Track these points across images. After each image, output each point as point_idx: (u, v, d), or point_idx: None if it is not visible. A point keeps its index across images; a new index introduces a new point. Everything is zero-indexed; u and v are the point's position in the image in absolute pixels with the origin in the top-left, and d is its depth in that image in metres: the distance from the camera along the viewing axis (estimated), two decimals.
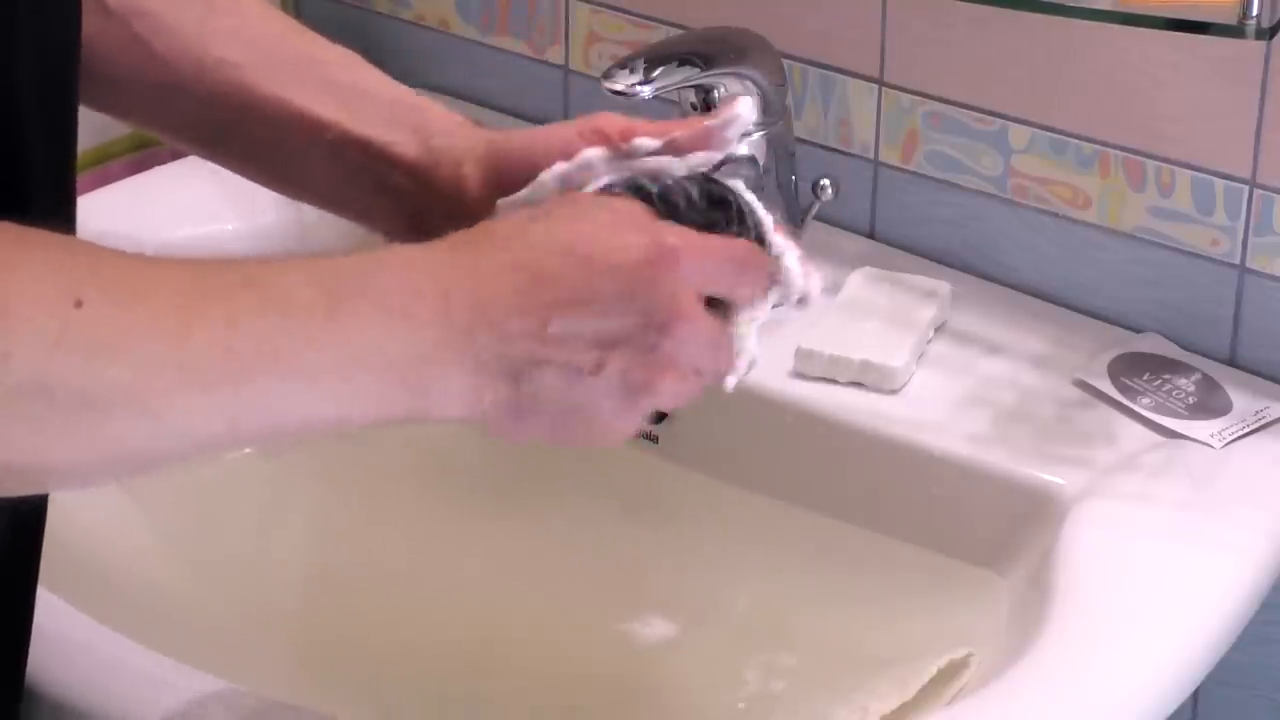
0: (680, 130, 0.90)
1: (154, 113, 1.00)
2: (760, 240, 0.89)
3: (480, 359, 0.80)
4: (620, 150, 0.89)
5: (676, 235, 0.84)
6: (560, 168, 0.89)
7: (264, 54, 0.98)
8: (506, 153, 0.94)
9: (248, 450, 1.32)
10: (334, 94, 0.97)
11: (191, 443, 0.76)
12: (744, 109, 0.91)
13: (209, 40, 0.97)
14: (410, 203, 0.96)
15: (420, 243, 0.82)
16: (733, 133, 0.91)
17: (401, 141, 0.96)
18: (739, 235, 0.89)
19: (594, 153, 0.89)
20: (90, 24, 0.96)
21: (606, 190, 0.88)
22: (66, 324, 0.71)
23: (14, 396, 0.70)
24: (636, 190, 0.87)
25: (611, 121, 0.91)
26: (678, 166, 0.89)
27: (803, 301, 0.91)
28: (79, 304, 0.71)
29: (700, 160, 0.90)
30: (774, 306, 0.90)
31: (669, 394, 0.84)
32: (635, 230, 0.83)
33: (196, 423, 0.75)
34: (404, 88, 0.99)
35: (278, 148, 0.97)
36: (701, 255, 0.84)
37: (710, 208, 0.88)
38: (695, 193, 0.88)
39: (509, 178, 0.92)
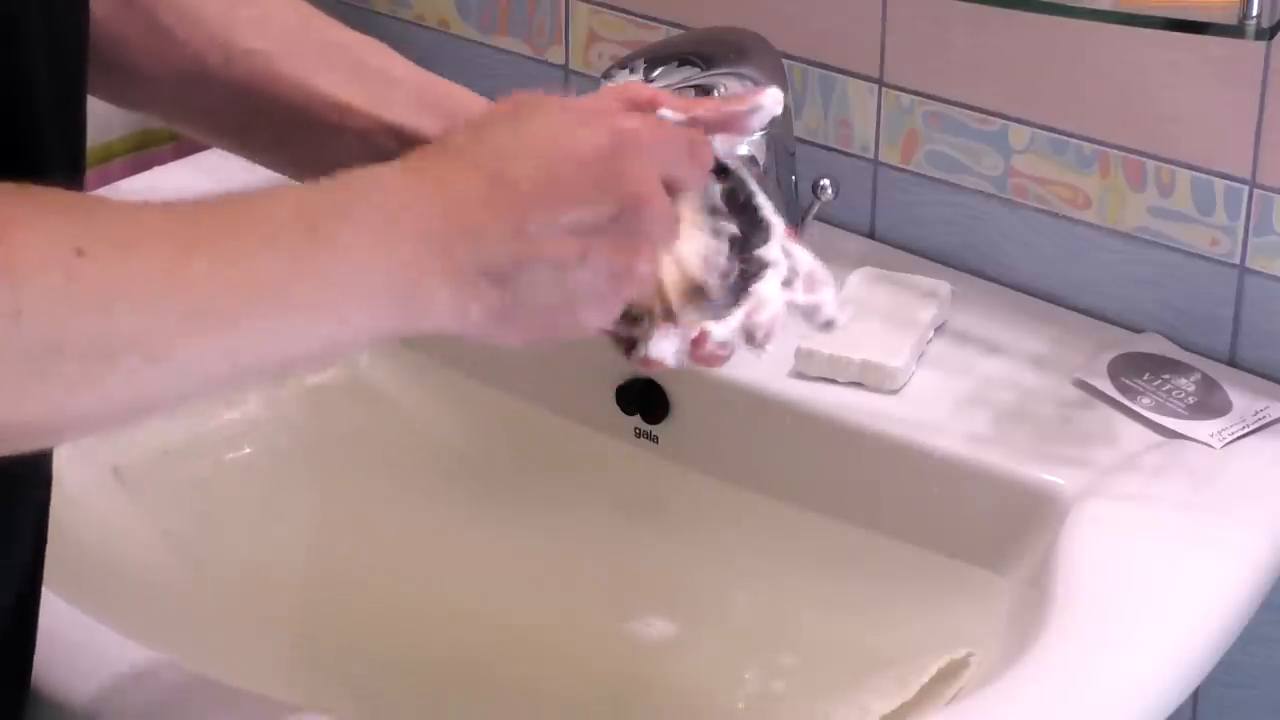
0: (705, 109, 0.92)
1: (177, 104, 0.99)
2: (765, 241, 0.90)
3: (462, 269, 0.81)
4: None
5: (634, 119, 0.86)
6: None
7: (291, 42, 0.98)
8: None
9: (248, 450, 1.32)
10: (362, 80, 0.98)
11: (197, 383, 0.76)
12: (770, 100, 0.93)
13: (235, 29, 0.98)
14: None
15: (391, 162, 0.83)
16: (757, 121, 0.93)
17: (431, 125, 0.96)
18: (751, 234, 0.91)
19: None
20: (112, 15, 0.96)
21: None
22: (71, 275, 0.71)
23: (28, 354, 0.71)
24: None
25: (640, 90, 0.93)
26: None
27: (829, 325, 0.92)
28: (80, 253, 0.71)
29: (721, 144, 0.91)
30: (784, 284, 0.91)
31: (644, 274, 0.86)
32: (595, 119, 0.85)
33: (202, 362, 0.76)
34: (431, 74, 0.99)
35: (305, 135, 0.97)
36: (660, 136, 0.86)
37: (731, 210, 0.91)
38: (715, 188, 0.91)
39: None
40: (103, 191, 1.43)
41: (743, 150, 0.94)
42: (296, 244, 0.77)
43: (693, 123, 0.92)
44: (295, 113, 0.97)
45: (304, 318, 0.78)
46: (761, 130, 1.23)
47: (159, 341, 0.74)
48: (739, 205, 0.92)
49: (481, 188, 0.82)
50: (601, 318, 0.86)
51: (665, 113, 0.91)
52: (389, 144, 0.96)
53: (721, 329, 0.89)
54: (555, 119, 0.85)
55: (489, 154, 0.83)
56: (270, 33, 0.98)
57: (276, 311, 0.77)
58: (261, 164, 1.02)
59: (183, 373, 0.75)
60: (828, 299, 0.92)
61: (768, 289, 0.90)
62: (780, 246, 0.92)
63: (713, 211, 0.91)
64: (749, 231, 0.92)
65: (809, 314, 0.93)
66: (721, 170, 0.92)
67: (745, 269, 0.91)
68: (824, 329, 0.93)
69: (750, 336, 0.90)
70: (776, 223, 0.92)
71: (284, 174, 1.01)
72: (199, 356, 0.75)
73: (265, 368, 0.79)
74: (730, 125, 0.92)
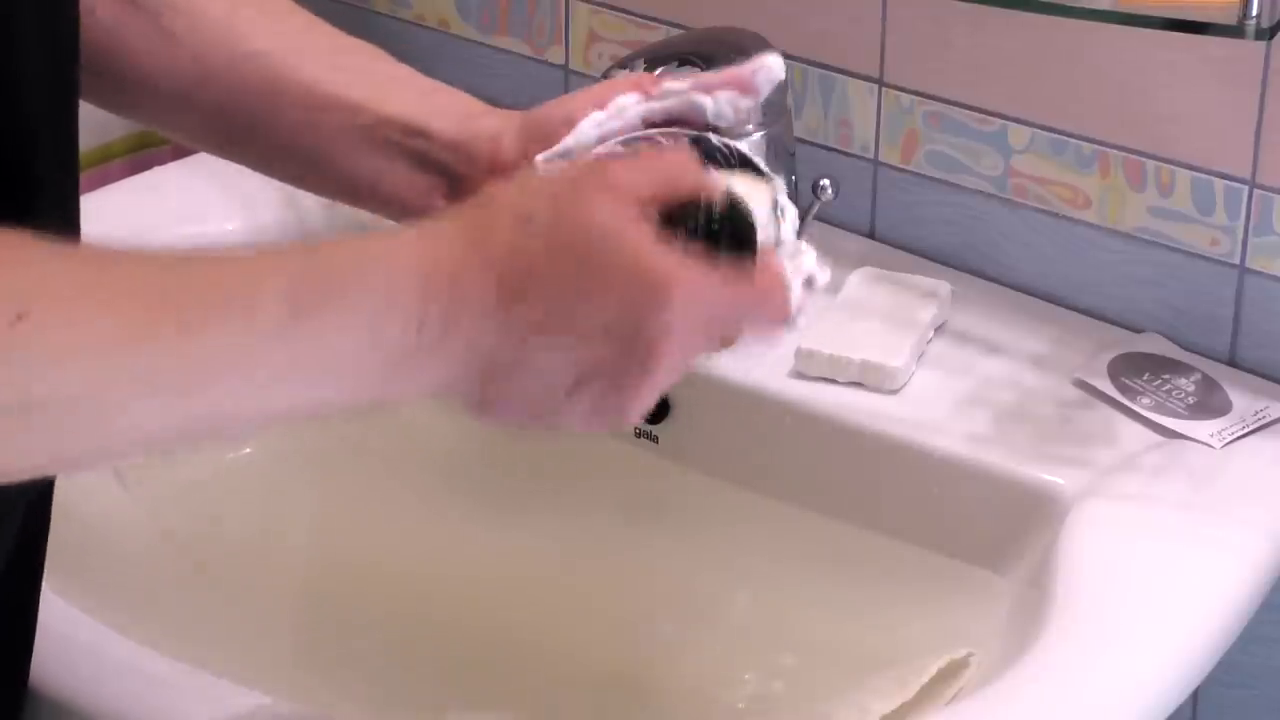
0: (709, 75, 0.93)
1: (179, 109, 0.99)
2: (775, 217, 0.90)
3: (450, 365, 0.79)
4: (651, 95, 0.92)
5: (677, 264, 0.80)
6: (597, 115, 0.92)
7: (295, 43, 0.99)
8: (543, 114, 0.95)
9: (248, 450, 1.32)
10: (368, 79, 0.98)
11: (142, 445, 0.76)
12: (772, 60, 0.93)
13: (239, 31, 0.98)
14: (451, 171, 0.96)
15: (410, 226, 0.81)
16: (760, 80, 0.93)
17: (438, 120, 0.96)
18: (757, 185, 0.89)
19: (628, 98, 0.92)
20: (115, 18, 0.96)
21: (632, 142, 0.90)
22: (7, 342, 0.70)
23: None
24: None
25: (644, 75, 0.95)
26: (708, 106, 0.91)
27: (809, 284, 0.91)
28: (20, 317, 0.70)
29: (726, 100, 0.92)
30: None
31: (634, 418, 0.83)
32: (636, 244, 0.79)
33: (148, 427, 0.74)
34: (432, 80, 0.99)
35: (309, 135, 0.97)
36: (697, 296, 0.80)
37: (743, 167, 0.90)
38: (734, 156, 0.90)
39: (547, 134, 0.93)
40: (102, 192, 1.43)
41: (742, 148, 0.94)
42: (277, 325, 0.75)
43: (698, 84, 0.92)
44: (299, 110, 0.97)
45: (267, 393, 0.76)
46: (760, 131, 1.24)
47: (104, 406, 0.72)
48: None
49: (490, 296, 0.78)
50: (584, 430, 0.83)
51: (671, 84, 0.92)
52: (396, 135, 0.96)
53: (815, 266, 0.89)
54: (594, 230, 0.79)
55: (508, 256, 0.79)
56: (274, 34, 0.98)
57: (236, 387, 0.75)
58: (260, 169, 1.02)
59: (126, 436, 0.74)
60: (808, 259, 0.90)
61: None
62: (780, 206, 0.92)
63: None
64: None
65: (794, 271, 0.91)
66: (717, 153, 0.92)
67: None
68: (809, 287, 0.91)
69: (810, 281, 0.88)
70: (784, 203, 0.92)
71: (284, 178, 1.01)
72: (145, 422, 0.74)
73: (218, 436, 0.78)
74: (734, 84, 0.92)
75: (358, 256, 0.78)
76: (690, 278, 0.80)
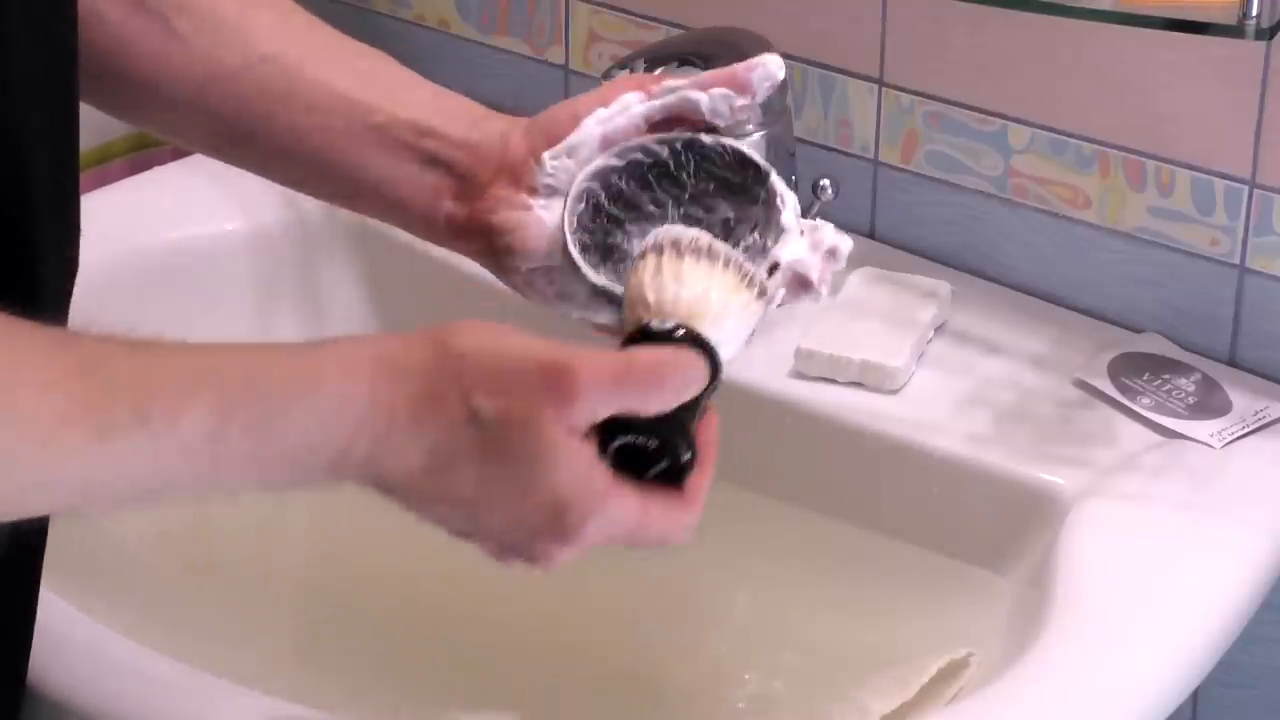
0: (709, 74, 0.94)
1: (183, 111, 0.99)
2: (770, 203, 0.92)
3: (362, 483, 0.83)
4: (652, 93, 0.94)
5: (597, 498, 0.82)
6: (602, 111, 0.93)
7: (305, 44, 0.99)
8: (550, 115, 0.96)
9: None
10: (377, 80, 0.98)
11: (28, 514, 0.79)
12: (771, 59, 0.94)
13: (251, 33, 0.98)
14: (459, 169, 0.96)
15: (367, 347, 0.82)
16: (756, 78, 0.93)
17: (449, 122, 0.97)
18: (763, 194, 0.92)
19: (631, 96, 0.94)
20: (124, 21, 0.96)
21: (627, 154, 0.92)
22: None
23: None
24: (654, 157, 0.92)
25: (646, 76, 0.96)
26: (702, 102, 0.93)
27: (833, 255, 0.92)
28: None
29: (721, 97, 0.93)
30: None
31: (545, 570, 0.86)
32: (566, 476, 0.81)
33: (40, 509, 0.79)
34: (437, 85, 1.00)
35: (318, 137, 0.97)
36: (606, 529, 0.84)
37: (740, 166, 0.92)
38: (728, 153, 0.92)
39: (553, 133, 0.94)
40: (102, 192, 1.43)
41: (741, 147, 0.95)
42: (195, 444, 0.77)
43: (696, 82, 0.93)
44: (308, 111, 0.97)
45: (167, 495, 0.80)
46: (760, 131, 1.24)
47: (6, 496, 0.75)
48: (746, 179, 0.93)
49: (416, 462, 0.81)
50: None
51: (672, 81, 0.93)
52: (406, 135, 0.96)
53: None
54: (531, 450, 0.81)
55: (445, 438, 0.81)
56: (284, 35, 0.99)
57: (141, 495, 0.79)
58: (259, 172, 1.02)
59: (25, 512, 0.77)
60: (827, 231, 0.93)
61: (793, 246, 0.92)
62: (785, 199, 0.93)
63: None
64: (765, 213, 0.93)
65: (815, 246, 0.93)
66: (723, 152, 0.93)
67: (765, 241, 0.92)
68: (832, 258, 0.93)
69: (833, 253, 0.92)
70: (784, 192, 0.93)
71: (289, 181, 1.01)
72: (38, 507, 0.78)
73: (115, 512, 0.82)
74: (732, 81, 0.93)
75: (297, 386, 0.80)
76: (607, 510, 0.83)
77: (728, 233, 0.92)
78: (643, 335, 0.85)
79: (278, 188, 1.07)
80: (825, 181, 1.29)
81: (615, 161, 0.93)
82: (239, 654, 1.17)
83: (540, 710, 1.17)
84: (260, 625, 1.23)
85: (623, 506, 0.83)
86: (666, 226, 0.90)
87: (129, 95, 0.99)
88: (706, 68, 1.20)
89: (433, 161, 0.96)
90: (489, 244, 0.95)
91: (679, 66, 1.20)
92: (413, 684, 1.18)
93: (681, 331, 0.85)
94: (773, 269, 0.91)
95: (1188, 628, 1.07)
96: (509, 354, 0.81)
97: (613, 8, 1.44)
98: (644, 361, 0.83)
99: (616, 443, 0.83)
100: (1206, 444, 1.19)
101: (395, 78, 0.99)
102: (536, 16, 1.48)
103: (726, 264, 0.87)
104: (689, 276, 0.86)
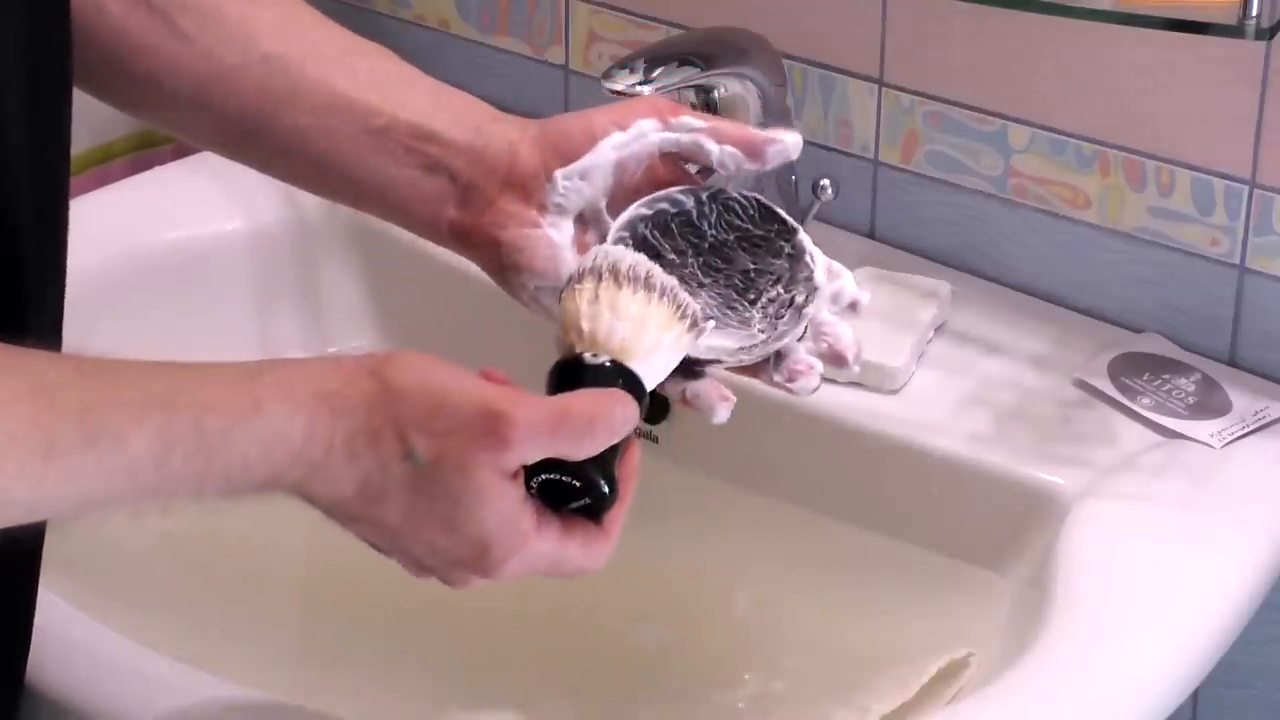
0: (728, 124, 0.95)
1: (187, 107, 0.99)
2: (798, 258, 0.94)
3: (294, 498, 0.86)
4: (669, 124, 0.95)
5: (520, 537, 0.84)
6: (619, 136, 0.94)
7: (309, 44, 0.98)
8: (563, 129, 0.96)
9: None
10: (381, 81, 0.98)
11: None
12: (791, 140, 0.96)
13: (254, 32, 0.98)
14: (463, 178, 0.96)
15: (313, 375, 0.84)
16: (771, 152, 0.95)
17: (452, 125, 0.97)
18: (788, 249, 0.94)
19: (648, 123, 0.94)
20: (128, 17, 0.96)
21: (654, 204, 0.94)
22: None
23: None
24: (679, 206, 0.94)
25: (663, 101, 0.96)
26: (713, 153, 0.94)
27: (854, 307, 0.96)
28: None
29: (731, 156, 0.94)
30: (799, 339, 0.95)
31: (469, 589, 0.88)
32: (493, 516, 0.83)
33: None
34: (442, 83, 1.00)
35: (320, 139, 0.97)
36: (527, 563, 0.85)
37: (765, 218, 0.94)
38: (751, 206, 0.94)
39: (566, 150, 0.94)
40: (102, 192, 1.43)
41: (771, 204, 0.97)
42: (139, 468, 0.80)
43: (711, 132, 0.94)
44: (311, 112, 0.97)
45: (118, 508, 0.82)
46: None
47: None
48: (774, 246, 0.95)
49: (347, 490, 0.84)
50: None
51: (688, 119, 0.94)
52: (409, 139, 0.96)
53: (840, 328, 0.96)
54: (459, 490, 0.83)
55: (377, 471, 0.83)
56: (287, 34, 0.98)
57: (92, 506, 0.80)
58: (262, 170, 1.02)
59: None
60: (848, 283, 0.95)
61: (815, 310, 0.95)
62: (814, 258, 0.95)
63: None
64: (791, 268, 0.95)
65: (836, 298, 0.95)
66: (731, 201, 0.95)
67: (793, 296, 0.94)
68: (851, 311, 0.95)
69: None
70: (812, 250, 0.95)
71: (293, 179, 1.01)
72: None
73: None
74: (746, 144, 0.94)
75: (240, 414, 0.82)
76: (529, 549, 0.85)
77: (748, 285, 0.94)
78: (576, 365, 0.87)
79: (278, 187, 1.07)
80: (825, 181, 1.29)
81: (644, 211, 0.94)
82: (239, 654, 1.17)
83: (540, 710, 1.17)
84: (260, 625, 1.23)
85: (543, 544, 0.86)
86: (606, 247, 0.91)
87: (130, 90, 0.99)
88: (706, 68, 1.21)
89: (435, 168, 0.96)
90: (495, 258, 0.95)
91: (679, 66, 1.20)
92: (412, 684, 1.18)
93: (613, 366, 0.87)
94: (803, 326, 0.94)
95: (1187, 628, 1.07)
96: (448, 395, 0.83)
97: (613, 8, 1.44)
98: (578, 412, 0.84)
99: (540, 478, 0.85)
100: (1206, 444, 1.19)
101: (397, 77, 0.99)
102: (536, 16, 1.48)
103: (662, 294, 0.89)
104: (624, 308, 0.87)
